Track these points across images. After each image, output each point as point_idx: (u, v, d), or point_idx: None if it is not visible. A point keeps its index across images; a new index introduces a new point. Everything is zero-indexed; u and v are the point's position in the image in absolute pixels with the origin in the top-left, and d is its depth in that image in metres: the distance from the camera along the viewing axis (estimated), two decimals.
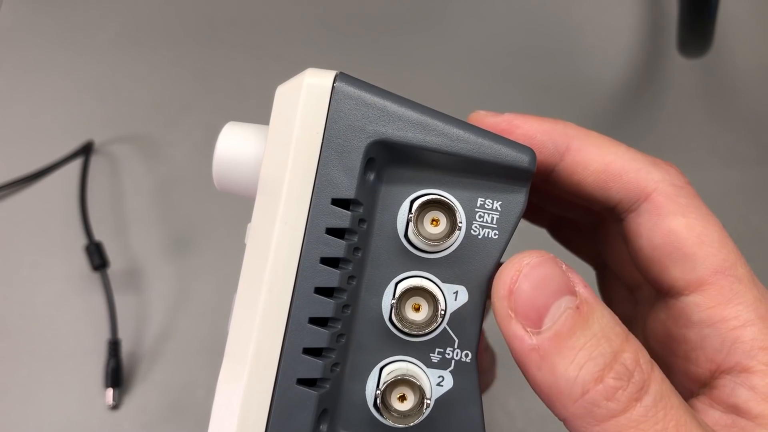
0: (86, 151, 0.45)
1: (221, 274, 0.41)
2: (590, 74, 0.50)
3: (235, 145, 0.19)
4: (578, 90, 0.49)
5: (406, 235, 0.18)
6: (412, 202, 0.18)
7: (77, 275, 0.41)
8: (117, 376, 0.37)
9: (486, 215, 0.18)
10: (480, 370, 0.18)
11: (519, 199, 0.18)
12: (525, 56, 0.51)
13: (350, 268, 0.17)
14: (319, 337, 0.17)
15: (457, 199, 0.18)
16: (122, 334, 0.38)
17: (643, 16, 0.52)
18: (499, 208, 0.18)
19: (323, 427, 0.17)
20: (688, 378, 0.18)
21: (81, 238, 0.41)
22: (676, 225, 0.18)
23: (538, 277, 0.15)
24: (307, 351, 0.17)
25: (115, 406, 0.37)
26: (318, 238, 0.17)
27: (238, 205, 0.45)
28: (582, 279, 0.16)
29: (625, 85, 0.50)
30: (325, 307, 0.17)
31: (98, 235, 0.41)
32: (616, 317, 0.15)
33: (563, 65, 0.50)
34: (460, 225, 0.17)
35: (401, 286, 0.17)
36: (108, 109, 0.48)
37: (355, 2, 0.53)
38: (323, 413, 0.17)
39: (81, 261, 0.41)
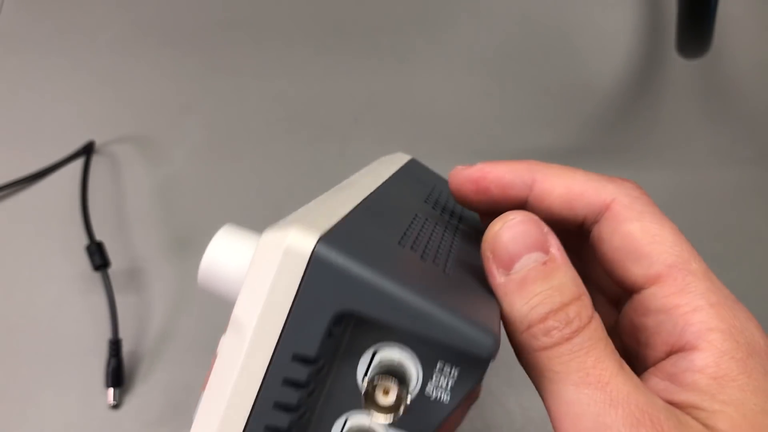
0: (87, 151, 0.45)
1: None
2: (590, 75, 0.50)
3: (223, 253, 0.20)
4: (578, 90, 0.49)
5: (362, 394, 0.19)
6: (370, 361, 0.18)
7: (78, 275, 0.41)
8: (118, 376, 0.37)
9: (443, 379, 0.18)
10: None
11: (476, 374, 0.18)
12: (525, 57, 0.51)
13: (302, 411, 0.18)
14: None
15: (419, 358, 0.18)
16: (123, 334, 0.39)
17: (642, 16, 0.52)
18: (456, 375, 0.18)
19: None
20: (649, 363, 0.20)
21: (82, 238, 0.41)
22: (632, 228, 0.20)
23: (517, 230, 0.18)
24: None
25: (116, 406, 0.37)
26: (274, 387, 0.18)
27: (238, 205, 0.45)
28: (558, 242, 0.19)
29: (624, 85, 0.50)
30: None
31: (99, 235, 0.41)
32: (578, 279, 0.18)
33: (563, 66, 0.50)
34: (407, 403, 0.17)
35: (349, 423, 0.18)
36: (109, 110, 0.48)
37: (356, 3, 0.53)
38: None
39: (82, 261, 0.41)
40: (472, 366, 0.18)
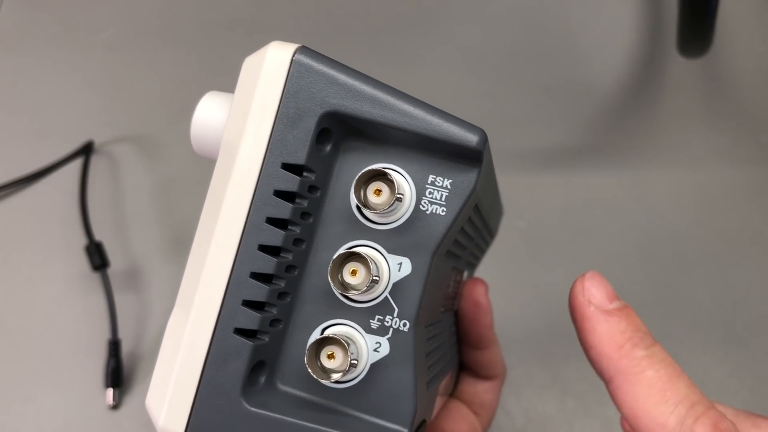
0: (86, 151, 0.45)
1: None
2: (590, 74, 0.50)
3: (209, 112, 0.20)
4: (578, 90, 0.49)
5: (357, 205, 0.18)
6: (360, 178, 0.18)
7: (77, 275, 0.41)
8: (117, 376, 0.37)
9: (436, 192, 0.18)
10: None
11: (470, 178, 0.18)
12: (525, 56, 0.51)
13: (298, 231, 0.18)
14: (259, 291, 0.18)
15: (410, 174, 0.18)
16: (122, 334, 0.39)
17: (643, 16, 0.52)
18: (449, 186, 0.18)
19: (261, 378, 0.18)
20: None
21: (81, 238, 0.41)
22: None
23: (604, 285, 0.21)
24: (247, 303, 0.18)
25: (116, 406, 0.37)
26: (266, 199, 0.18)
27: None
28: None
29: (625, 85, 0.50)
30: (267, 263, 0.18)
31: (98, 235, 0.41)
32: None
33: (563, 65, 0.50)
34: (399, 196, 0.18)
35: (346, 253, 0.18)
36: (108, 109, 0.48)
37: (355, 3, 0.53)
38: (260, 365, 0.18)
39: (81, 261, 0.41)
40: (464, 169, 0.18)
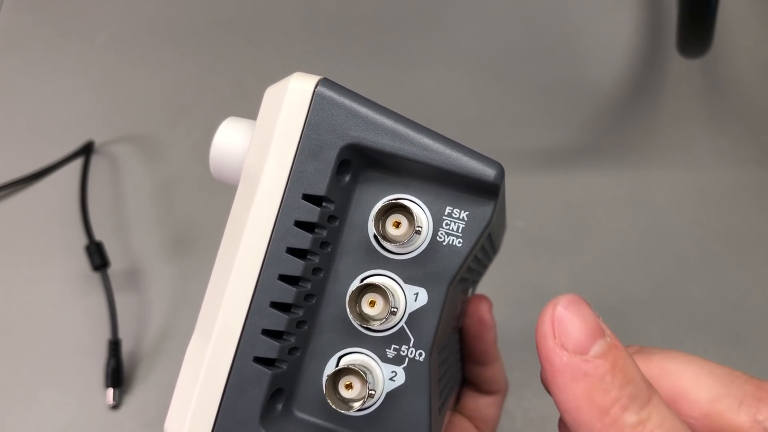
0: (87, 151, 0.45)
1: None
2: (590, 74, 0.50)
3: (229, 137, 0.20)
4: (578, 90, 0.49)
5: (375, 235, 0.19)
6: (381, 208, 0.19)
7: (77, 275, 0.41)
8: (117, 376, 0.37)
9: (452, 224, 0.18)
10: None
11: (486, 211, 0.18)
12: (525, 57, 0.51)
13: (317, 261, 0.18)
14: (278, 320, 0.18)
15: (427, 206, 0.19)
16: (123, 334, 0.39)
17: (643, 16, 0.52)
18: (465, 218, 0.18)
19: (279, 405, 0.19)
20: None
21: (81, 238, 0.41)
22: None
23: (581, 316, 0.16)
24: (266, 332, 0.18)
25: (116, 406, 0.37)
26: (287, 229, 0.18)
27: None
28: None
29: (625, 85, 0.50)
30: (287, 293, 0.18)
31: (99, 235, 0.41)
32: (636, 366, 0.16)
33: (563, 66, 0.50)
34: (418, 229, 0.18)
35: (364, 282, 0.18)
36: (108, 109, 0.48)
37: (356, 3, 0.53)
38: (278, 392, 0.18)
39: (81, 261, 0.41)
40: (480, 202, 0.18)
